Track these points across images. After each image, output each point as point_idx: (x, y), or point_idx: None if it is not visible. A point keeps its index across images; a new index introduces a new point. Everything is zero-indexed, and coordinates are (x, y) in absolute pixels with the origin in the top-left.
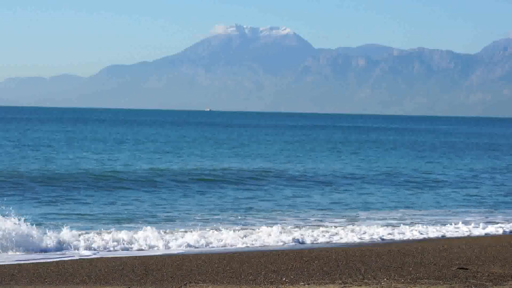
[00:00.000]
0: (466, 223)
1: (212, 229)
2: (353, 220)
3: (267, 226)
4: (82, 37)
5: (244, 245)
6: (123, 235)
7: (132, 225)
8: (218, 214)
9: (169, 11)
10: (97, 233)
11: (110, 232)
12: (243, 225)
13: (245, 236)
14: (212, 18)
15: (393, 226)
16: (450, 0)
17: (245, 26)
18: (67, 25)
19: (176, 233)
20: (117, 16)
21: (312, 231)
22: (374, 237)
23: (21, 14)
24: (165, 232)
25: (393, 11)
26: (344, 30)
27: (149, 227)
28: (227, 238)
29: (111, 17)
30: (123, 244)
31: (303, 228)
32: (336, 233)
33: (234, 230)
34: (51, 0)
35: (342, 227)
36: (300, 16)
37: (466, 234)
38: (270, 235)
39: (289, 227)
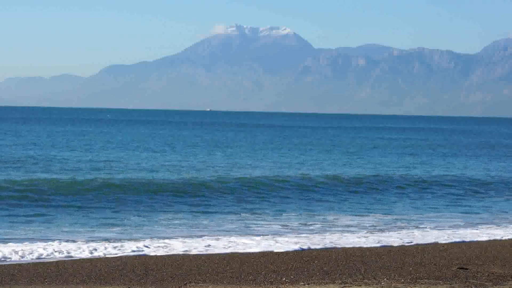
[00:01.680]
0: None
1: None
2: None
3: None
4: (82, 37)
5: None
6: None
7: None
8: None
9: (169, 11)
10: None
11: None
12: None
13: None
14: (212, 18)
15: None
16: (451, 0)
17: (245, 26)
18: (67, 25)
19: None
20: (117, 16)
21: None
22: None
23: (21, 14)
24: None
25: (393, 11)
26: (344, 30)
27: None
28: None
29: (111, 17)
30: None
31: None
32: None
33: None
34: (51, 0)
35: None
36: (300, 16)
37: None
38: None
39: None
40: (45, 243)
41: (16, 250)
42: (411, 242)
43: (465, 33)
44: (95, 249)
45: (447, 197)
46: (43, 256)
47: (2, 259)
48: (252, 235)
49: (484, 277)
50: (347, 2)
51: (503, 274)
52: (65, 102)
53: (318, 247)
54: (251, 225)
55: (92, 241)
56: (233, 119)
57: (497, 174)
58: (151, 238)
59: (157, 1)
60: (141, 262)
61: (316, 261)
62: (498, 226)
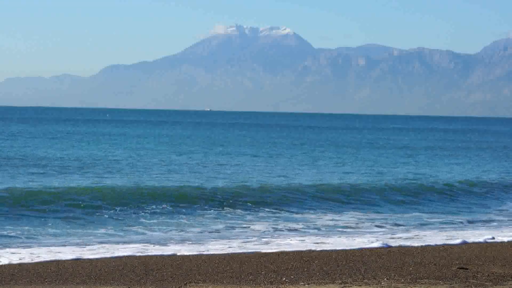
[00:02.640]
0: None
1: None
2: None
3: None
4: (82, 37)
5: None
6: None
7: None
8: None
9: (169, 11)
10: None
11: None
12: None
13: None
14: (212, 18)
15: None
16: (450, 0)
17: (245, 26)
18: (67, 25)
19: None
20: (117, 16)
21: None
22: None
23: (21, 14)
24: None
25: (393, 11)
26: (344, 30)
27: None
28: None
29: (111, 17)
30: None
31: None
32: None
33: None
34: (51, 0)
35: None
36: (300, 16)
37: None
38: None
39: None
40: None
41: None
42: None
43: (465, 33)
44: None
45: None
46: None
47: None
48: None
49: (484, 277)
50: (347, 2)
51: (503, 274)
52: (65, 102)
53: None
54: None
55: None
56: (233, 119)
57: None
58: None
59: (157, 1)
60: (141, 262)
61: (316, 261)
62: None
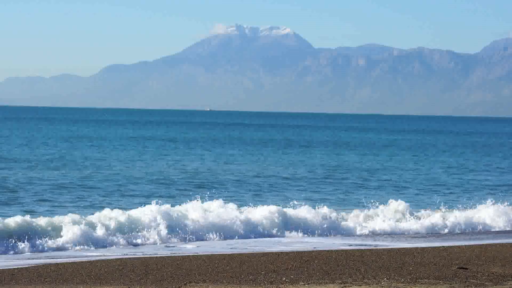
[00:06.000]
0: None
1: None
2: None
3: None
4: (82, 37)
5: None
6: None
7: None
8: None
9: (169, 11)
10: None
11: None
12: None
13: None
14: (212, 18)
15: None
16: (450, 0)
17: (245, 26)
18: (67, 25)
19: None
20: (117, 15)
21: None
22: None
23: (21, 14)
24: None
25: (393, 11)
26: (344, 30)
27: None
28: None
29: (111, 17)
30: None
31: None
32: None
33: None
34: (51, 0)
35: None
36: (300, 16)
37: None
38: None
39: None
40: None
41: None
42: None
43: (465, 33)
44: None
45: None
46: None
47: None
48: None
49: (484, 277)
50: (347, 2)
51: (503, 274)
52: (65, 102)
53: None
54: None
55: None
56: (233, 119)
57: None
58: None
59: (157, 1)
60: (141, 262)
61: (316, 261)
62: None
